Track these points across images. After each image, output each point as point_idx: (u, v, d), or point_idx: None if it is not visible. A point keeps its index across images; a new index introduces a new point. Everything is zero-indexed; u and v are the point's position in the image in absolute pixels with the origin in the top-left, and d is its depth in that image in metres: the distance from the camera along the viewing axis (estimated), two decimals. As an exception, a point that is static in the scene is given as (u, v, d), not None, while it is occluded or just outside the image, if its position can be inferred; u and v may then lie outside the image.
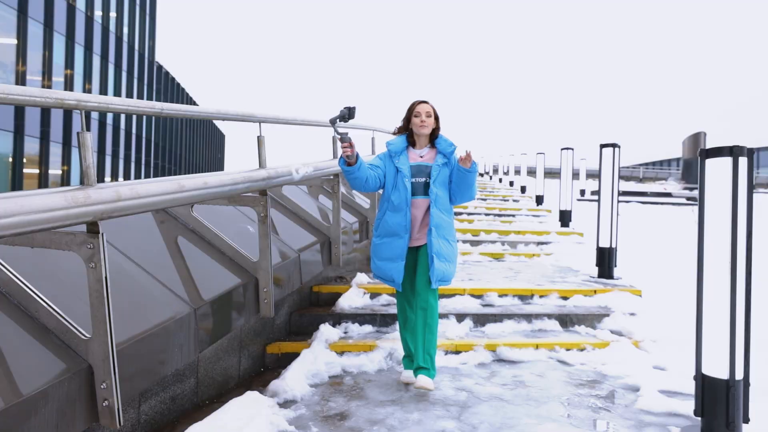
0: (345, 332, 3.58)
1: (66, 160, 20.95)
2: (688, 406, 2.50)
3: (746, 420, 2.17)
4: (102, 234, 1.58)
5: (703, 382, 2.20)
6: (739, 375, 2.14)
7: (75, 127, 21.43)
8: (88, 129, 1.63)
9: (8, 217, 1.27)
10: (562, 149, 8.45)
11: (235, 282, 2.67)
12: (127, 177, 26.96)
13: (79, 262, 1.92)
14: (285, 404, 2.61)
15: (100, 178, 23.58)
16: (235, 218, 3.34)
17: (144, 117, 29.18)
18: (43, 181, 19.68)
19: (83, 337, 1.66)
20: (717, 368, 2.15)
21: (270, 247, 2.73)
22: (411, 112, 2.87)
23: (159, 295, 2.20)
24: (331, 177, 3.93)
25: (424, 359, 2.74)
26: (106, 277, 1.59)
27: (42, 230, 1.41)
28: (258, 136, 2.84)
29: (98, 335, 1.62)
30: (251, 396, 2.48)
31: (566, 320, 3.86)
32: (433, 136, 2.89)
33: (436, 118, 2.87)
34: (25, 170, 18.71)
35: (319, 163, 3.57)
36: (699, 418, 2.32)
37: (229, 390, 2.84)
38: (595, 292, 4.29)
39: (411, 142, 2.91)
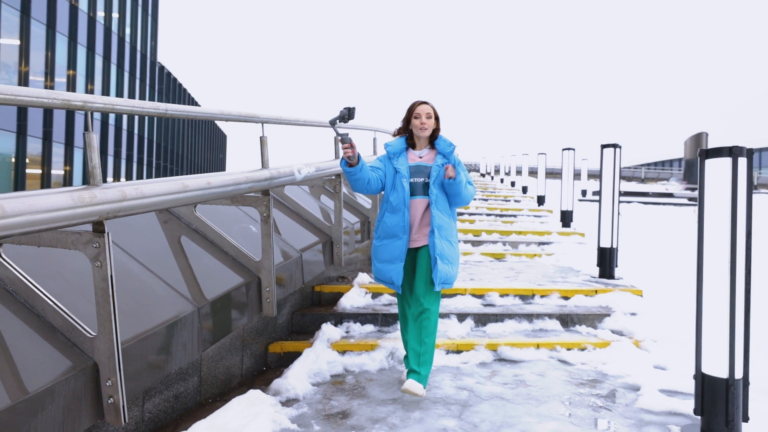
0: (347, 331, 3.60)
1: (68, 160, 21.02)
2: (689, 406, 2.51)
3: (746, 419, 2.18)
4: (107, 233, 1.60)
5: (703, 381, 2.22)
6: (739, 374, 2.15)
7: (77, 127, 21.51)
8: (90, 130, 1.65)
9: (17, 217, 1.29)
10: (563, 149, 8.45)
11: (237, 281, 2.69)
12: (129, 177, 27.04)
13: (83, 261, 1.95)
14: (287, 403, 2.63)
15: (103, 179, 23.60)
16: (238, 218, 3.36)
17: (146, 118, 29.25)
18: (45, 182, 19.75)
19: (89, 335, 1.68)
20: (716, 367, 2.17)
21: (272, 247, 2.75)
22: (411, 113, 2.83)
23: (163, 294, 2.22)
24: (333, 177, 3.95)
25: (419, 363, 2.68)
26: (111, 276, 1.61)
27: (49, 229, 1.43)
28: (261, 137, 2.85)
29: (104, 333, 1.64)
30: (254, 394, 2.50)
31: (567, 320, 3.87)
32: (433, 136, 2.84)
33: (437, 119, 2.83)
34: (27, 170, 18.78)
35: (321, 164, 3.59)
36: (699, 417, 2.34)
37: (232, 389, 2.86)
38: (596, 292, 4.31)
39: (411, 144, 2.86)
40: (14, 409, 1.39)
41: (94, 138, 1.60)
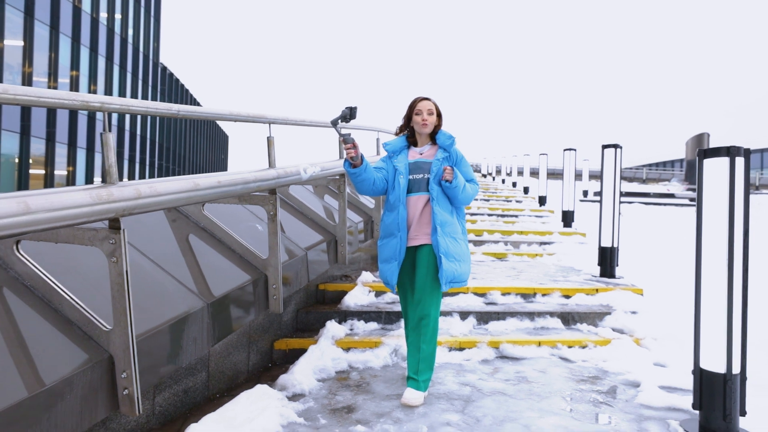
0: (351, 329, 3.65)
1: (71, 160, 21.12)
2: (688, 401, 2.56)
3: (743, 413, 2.22)
4: (123, 230, 1.66)
5: (701, 376, 2.26)
6: (736, 369, 2.20)
7: (80, 128, 21.61)
8: (108, 130, 1.71)
9: (40, 213, 1.34)
10: (564, 150, 8.50)
11: (245, 278, 2.75)
12: (131, 178, 27.14)
13: (97, 258, 2.00)
14: (294, 397, 2.68)
15: (104, 179, 23.75)
16: (244, 217, 3.41)
17: (149, 118, 29.36)
18: (48, 182, 19.85)
19: (104, 328, 1.73)
20: (714, 362, 2.21)
21: (279, 245, 2.80)
22: (412, 109, 2.75)
23: (173, 290, 2.28)
24: (337, 177, 4.01)
25: (417, 370, 2.65)
26: (126, 271, 1.66)
27: (69, 225, 1.49)
28: (268, 137, 2.91)
29: (119, 327, 1.69)
30: (261, 389, 2.55)
31: (568, 318, 3.92)
32: (435, 133, 2.77)
33: (439, 116, 2.76)
34: (31, 171, 18.87)
35: (326, 163, 3.64)
36: (697, 412, 2.38)
37: (239, 384, 2.91)
38: (597, 290, 4.35)
39: (412, 142, 2.80)
40: (36, 399, 1.44)
41: (111, 138, 1.66)
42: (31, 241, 1.78)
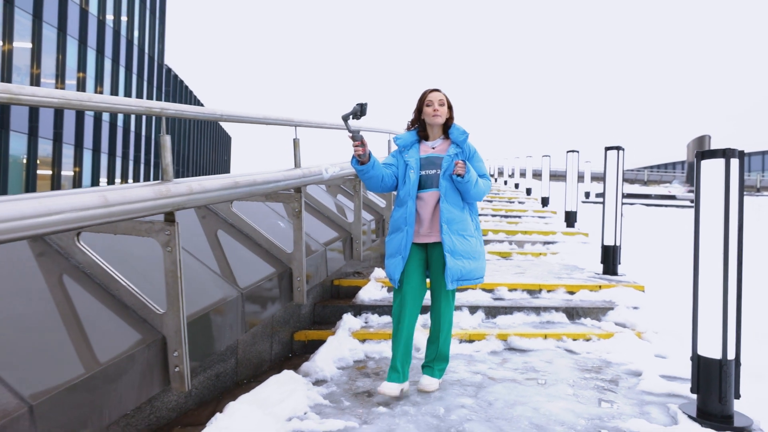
0: (366, 322, 3.83)
1: (78, 161, 21.33)
2: (687, 388, 2.74)
3: (737, 396, 2.39)
4: (177, 223, 1.84)
5: (699, 362, 2.44)
6: (731, 355, 2.37)
7: (87, 129, 21.83)
8: (166, 133, 1.89)
9: (116, 206, 1.53)
10: (567, 152, 8.67)
11: (271, 271, 2.93)
12: (136, 179, 27.33)
13: (146, 248, 2.19)
14: (317, 383, 2.86)
15: (111, 180, 23.99)
16: (266, 214, 3.60)
17: (153, 119, 29.56)
18: (55, 183, 20.05)
19: (158, 311, 1.92)
20: (711, 349, 2.39)
21: (303, 240, 2.99)
22: (422, 101, 2.71)
23: (211, 280, 2.46)
24: (353, 177, 4.19)
25: (434, 358, 2.71)
26: (179, 260, 1.84)
27: (137, 217, 1.67)
28: (294, 139, 3.09)
29: (172, 310, 1.87)
30: (288, 374, 2.74)
31: (573, 313, 4.09)
32: (447, 126, 2.73)
33: (450, 107, 2.72)
34: (38, 171, 19.08)
35: (344, 164, 3.83)
36: (695, 396, 2.56)
37: (263, 372, 3.10)
38: (600, 287, 4.52)
39: (424, 136, 2.76)
40: (108, 370, 1.63)
41: (168, 140, 1.84)
42: (90, 232, 1.96)
